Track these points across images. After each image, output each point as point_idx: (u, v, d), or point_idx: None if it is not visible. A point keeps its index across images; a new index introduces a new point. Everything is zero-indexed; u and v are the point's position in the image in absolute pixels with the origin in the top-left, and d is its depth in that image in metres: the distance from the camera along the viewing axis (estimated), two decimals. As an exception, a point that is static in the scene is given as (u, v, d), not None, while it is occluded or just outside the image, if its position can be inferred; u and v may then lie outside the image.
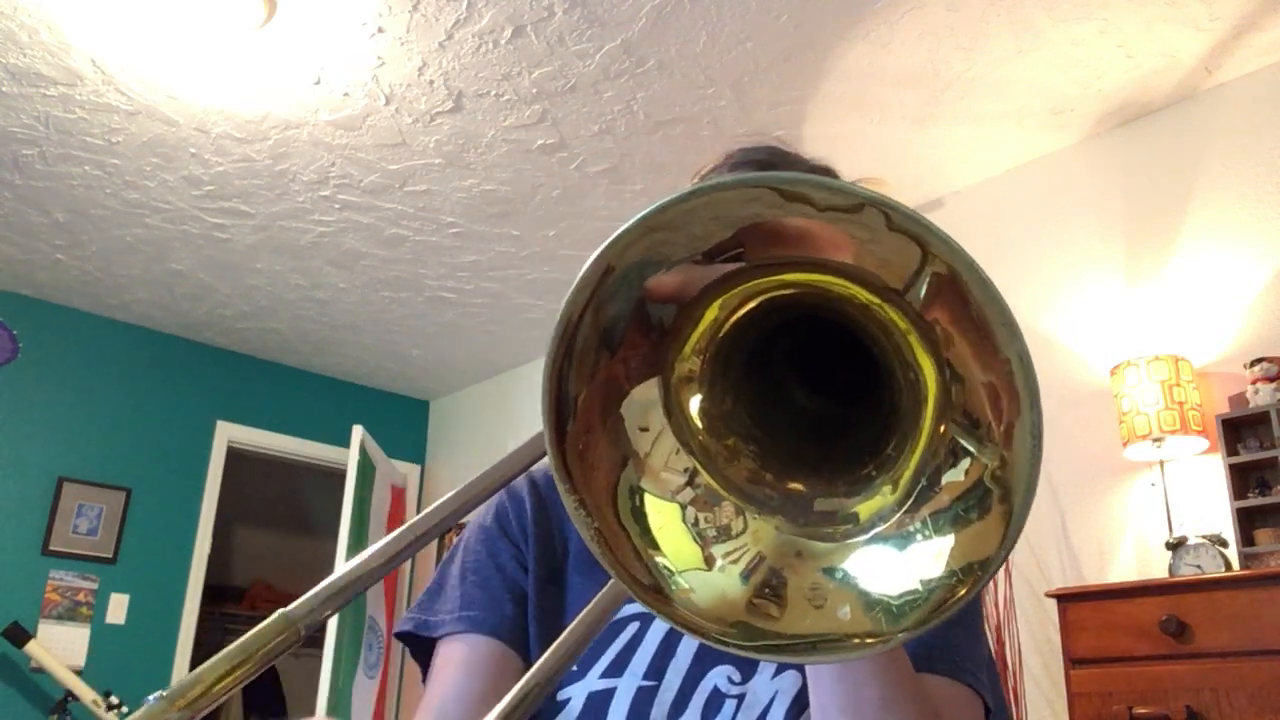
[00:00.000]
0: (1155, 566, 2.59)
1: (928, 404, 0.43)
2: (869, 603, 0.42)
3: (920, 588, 0.41)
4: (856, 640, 0.41)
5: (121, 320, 4.62)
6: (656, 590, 0.43)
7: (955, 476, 0.42)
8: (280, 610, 0.38)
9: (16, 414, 4.24)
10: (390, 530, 0.46)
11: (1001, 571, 2.78)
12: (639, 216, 0.39)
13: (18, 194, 3.55)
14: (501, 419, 5.08)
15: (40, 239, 3.88)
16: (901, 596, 0.41)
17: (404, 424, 5.54)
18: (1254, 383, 2.45)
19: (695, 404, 0.49)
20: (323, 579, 0.42)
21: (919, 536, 0.42)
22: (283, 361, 5.13)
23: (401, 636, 0.80)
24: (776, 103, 2.96)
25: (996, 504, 0.40)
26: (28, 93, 2.99)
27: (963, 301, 0.38)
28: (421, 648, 0.79)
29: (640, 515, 0.45)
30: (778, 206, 0.38)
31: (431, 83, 2.92)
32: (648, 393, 0.46)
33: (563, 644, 0.48)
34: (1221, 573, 2.29)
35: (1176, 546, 2.42)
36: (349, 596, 0.40)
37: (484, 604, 0.76)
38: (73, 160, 3.34)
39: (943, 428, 0.42)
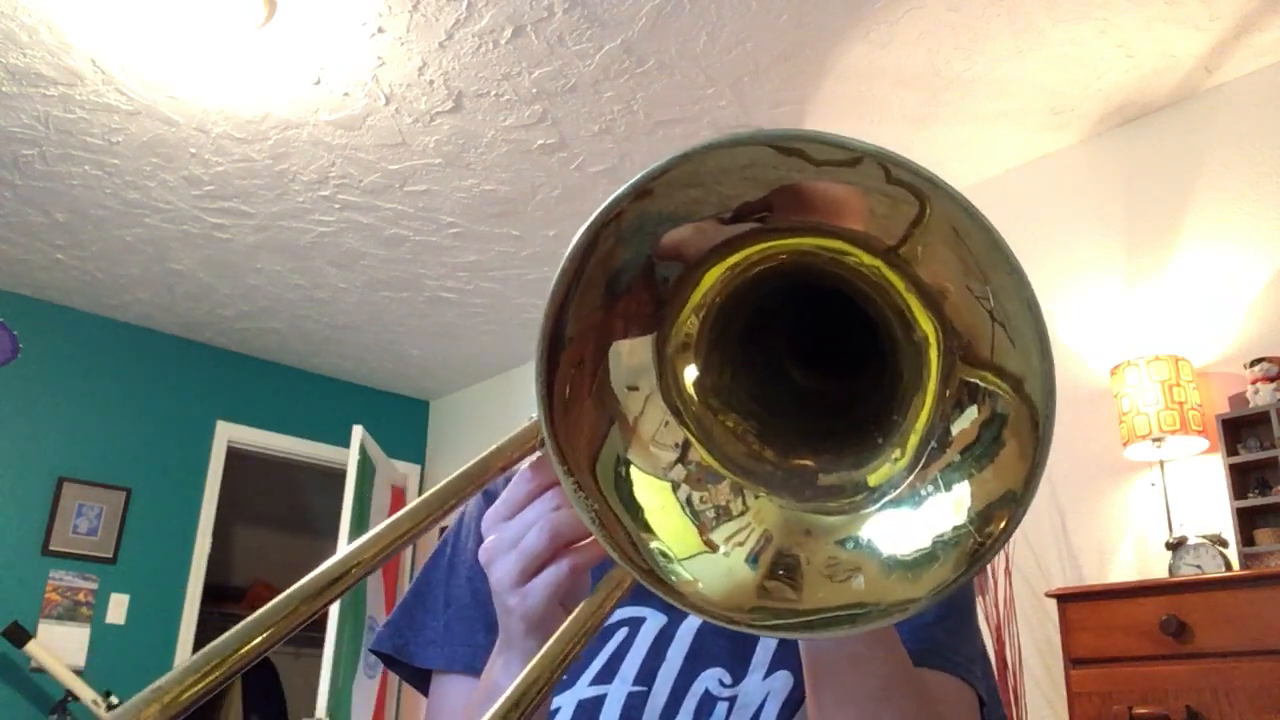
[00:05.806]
0: (1155, 566, 2.59)
1: (932, 364, 0.41)
2: (893, 566, 0.40)
3: (946, 540, 0.39)
4: (886, 606, 0.39)
5: (121, 320, 4.62)
6: (656, 576, 0.41)
7: (963, 426, 0.40)
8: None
9: (16, 414, 4.24)
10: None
11: (1001, 571, 2.78)
12: (633, 180, 0.37)
13: (18, 194, 3.55)
14: (501, 419, 5.08)
15: (40, 239, 3.87)
16: (927, 553, 0.39)
17: (404, 424, 5.54)
18: (1254, 383, 2.45)
19: (690, 374, 0.46)
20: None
21: (935, 492, 0.40)
22: (283, 361, 5.13)
23: (379, 655, 0.79)
24: (776, 103, 2.96)
25: (1010, 447, 0.38)
26: (28, 93, 2.99)
27: (963, 251, 0.36)
28: (399, 666, 0.79)
29: (627, 492, 0.42)
30: (774, 165, 0.37)
31: (431, 83, 2.92)
32: (641, 352, 0.44)
33: (558, 642, 0.45)
34: (1221, 573, 2.29)
35: (1176, 546, 2.42)
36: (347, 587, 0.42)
37: (463, 637, 0.76)
38: (73, 160, 3.34)
39: (948, 390, 0.41)
